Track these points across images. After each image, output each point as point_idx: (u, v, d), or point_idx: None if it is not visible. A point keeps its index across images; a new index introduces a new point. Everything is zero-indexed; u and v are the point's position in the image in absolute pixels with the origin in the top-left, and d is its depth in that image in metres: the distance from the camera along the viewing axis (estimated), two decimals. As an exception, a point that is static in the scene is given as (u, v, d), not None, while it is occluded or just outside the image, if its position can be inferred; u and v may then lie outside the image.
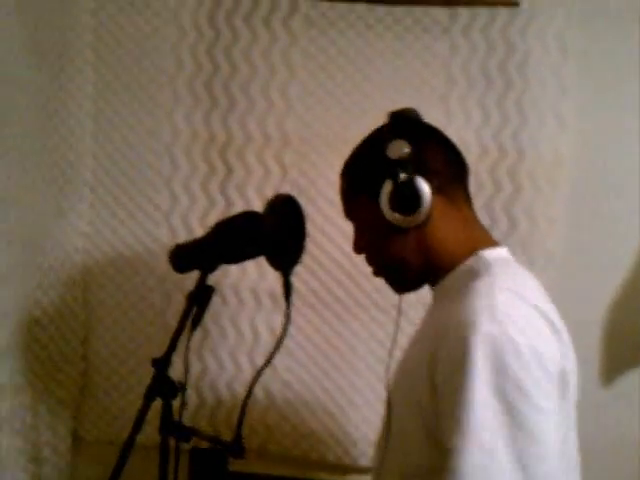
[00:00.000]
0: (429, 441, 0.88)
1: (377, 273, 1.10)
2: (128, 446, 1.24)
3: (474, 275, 0.94)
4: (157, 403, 1.29)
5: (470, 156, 1.65)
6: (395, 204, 0.96)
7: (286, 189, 1.68)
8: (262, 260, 1.34)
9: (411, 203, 0.95)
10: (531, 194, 1.61)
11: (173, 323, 1.72)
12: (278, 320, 1.72)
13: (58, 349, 1.77)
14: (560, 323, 0.91)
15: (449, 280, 1.00)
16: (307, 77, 1.67)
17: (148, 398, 1.28)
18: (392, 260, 1.04)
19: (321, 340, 1.72)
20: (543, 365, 0.81)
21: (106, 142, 1.75)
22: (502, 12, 1.58)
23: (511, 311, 0.84)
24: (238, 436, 1.26)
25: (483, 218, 1.64)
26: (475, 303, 0.85)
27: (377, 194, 0.98)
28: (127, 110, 1.74)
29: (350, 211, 1.10)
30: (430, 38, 1.62)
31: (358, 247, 1.11)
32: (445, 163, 1.01)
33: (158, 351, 1.74)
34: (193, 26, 1.70)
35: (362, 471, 1.72)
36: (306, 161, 1.68)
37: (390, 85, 1.63)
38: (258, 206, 1.70)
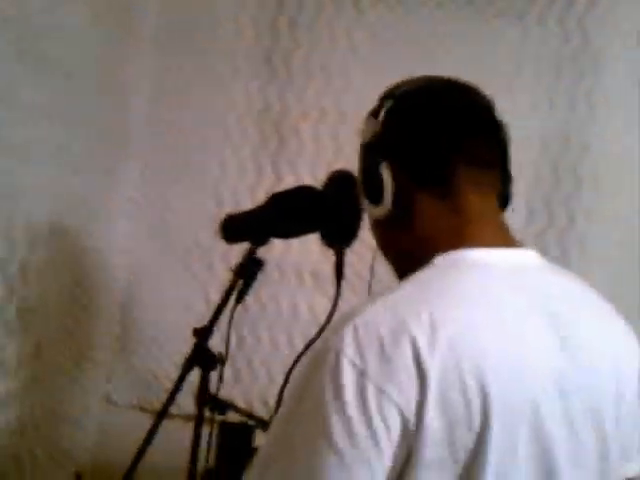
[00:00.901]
0: None
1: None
2: (162, 413, 1.23)
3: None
4: (192, 374, 1.27)
5: (533, 147, 1.63)
6: (365, 192, 0.86)
7: (339, 166, 1.64)
8: (307, 237, 1.31)
9: (376, 191, 0.82)
10: (592, 191, 1.57)
11: (214, 295, 1.72)
12: (319, 299, 1.70)
13: (96, 311, 1.77)
14: (457, 372, 0.66)
15: None
16: (370, 54, 1.64)
17: (186, 368, 1.26)
18: (383, 250, 0.92)
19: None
20: (365, 399, 0.64)
21: (160, 107, 1.74)
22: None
23: (366, 327, 0.68)
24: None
25: (540, 213, 1.63)
26: (349, 312, 0.72)
27: None
28: (183, 76, 1.71)
29: None
30: (502, 23, 1.57)
31: None
32: (426, 146, 0.80)
33: (197, 322, 1.74)
34: (257, -6, 1.67)
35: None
36: (362, 139, 1.64)
37: (455, 68, 1.56)
38: (308, 182, 1.66)
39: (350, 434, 0.64)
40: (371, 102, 1.60)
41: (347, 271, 1.68)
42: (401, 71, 1.59)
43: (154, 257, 1.77)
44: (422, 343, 0.66)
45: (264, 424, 1.28)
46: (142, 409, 1.81)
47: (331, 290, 1.59)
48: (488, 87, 1.60)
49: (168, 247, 1.76)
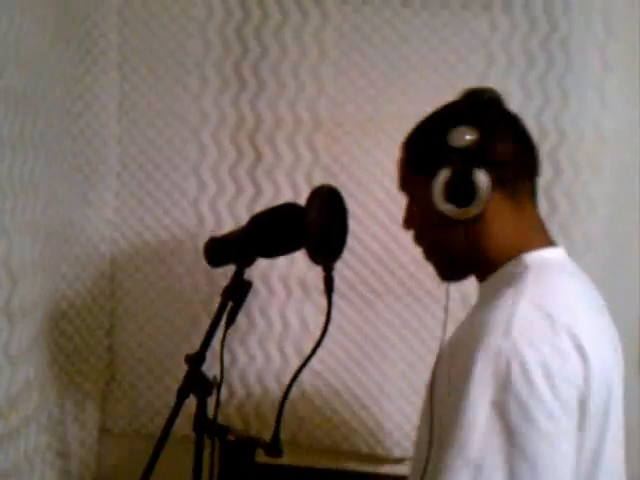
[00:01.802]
0: None
1: (425, 255, 1.06)
2: (161, 443, 1.19)
3: (509, 281, 0.89)
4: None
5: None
6: (449, 194, 0.90)
7: (317, 174, 1.63)
8: (291, 248, 1.30)
9: (466, 196, 0.89)
10: (571, 176, 1.56)
11: (202, 314, 1.69)
12: (308, 309, 1.68)
13: (84, 341, 1.73)
14: (593, 349, 0.81)
15: (492, 281, 0.95)
16: (340, 57, 1.61)
17: (182, 396, 1.23)
18: (439, 248, 1.00)
19: (353, 329, 1.68)
20: (555, 387, 0.76)
21: (132, 127, 1.70)
22: (545, -14, 1.52)
23: (528, 325, 0.79)
24: (276, 436, 1.21)
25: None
26: (492, 318, 0.82)
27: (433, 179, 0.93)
28: (153, 94, 1.68)
29: (404, 185, 1.04)
30: (469, 15, 1.55)
31: (407, 224, 1.06)
32: (515, 155, 0.93)
33: (186, 342, 1.72)
34: (222, 5, 1.63)
35: (396, 461, 1.68)
36: (338, 145, 1.62)
37: (426, 64, 1.57)
38: (288, 193, 1.65)
39: (554, 420, 0.75)
40: (344, 105, 1.60)
41: (336, 280, 1.67)
42: (371, 71, 1.60)
43: (137, 280, 1.73)
44: (575, 329, 0.80)
45: (268, 449, 1.25)
46: (137, 434, 1.78)
47: (320, 299, 1.57)
48: (462, 80, 1.61)
49: (151, 269, 1.73)
